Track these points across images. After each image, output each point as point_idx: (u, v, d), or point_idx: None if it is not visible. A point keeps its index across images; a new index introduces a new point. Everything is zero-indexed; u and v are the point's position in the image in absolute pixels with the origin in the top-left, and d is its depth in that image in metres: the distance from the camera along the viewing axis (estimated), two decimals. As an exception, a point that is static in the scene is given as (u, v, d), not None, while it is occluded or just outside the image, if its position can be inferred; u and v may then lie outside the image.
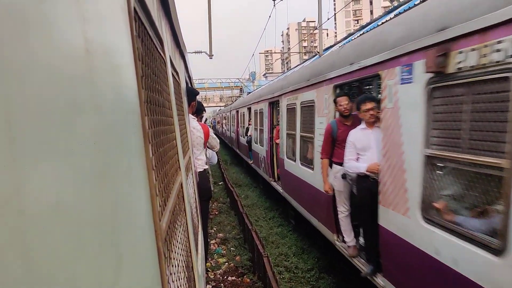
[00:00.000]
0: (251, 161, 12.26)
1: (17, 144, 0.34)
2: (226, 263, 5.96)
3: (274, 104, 8.77)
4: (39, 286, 0.35)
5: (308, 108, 5.64)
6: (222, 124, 29.02)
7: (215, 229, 7.72)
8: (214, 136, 4.80)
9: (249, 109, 12.87)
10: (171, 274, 1.13)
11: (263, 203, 9.65)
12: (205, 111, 6.48)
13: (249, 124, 13.19)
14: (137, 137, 0.89)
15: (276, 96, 7.96)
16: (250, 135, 12.45)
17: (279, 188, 8.00)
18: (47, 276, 0.37)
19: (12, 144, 0.34)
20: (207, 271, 5.51)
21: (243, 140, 14.28)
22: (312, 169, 5.46)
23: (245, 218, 6.67)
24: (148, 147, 1.00)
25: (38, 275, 0.36)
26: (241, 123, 16.02)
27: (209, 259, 6.08)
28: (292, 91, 6.64)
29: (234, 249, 6.57)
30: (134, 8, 1.04)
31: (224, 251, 6.52)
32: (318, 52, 14.90)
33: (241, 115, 16.02)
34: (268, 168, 9.14)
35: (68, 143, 0.46)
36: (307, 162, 5.80)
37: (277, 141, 8.09)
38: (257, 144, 10.87)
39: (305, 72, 6.29)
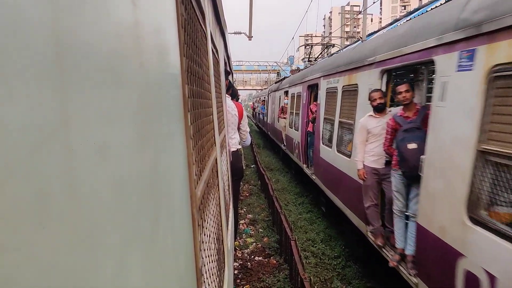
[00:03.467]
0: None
1: (68, 107, 0.34)
2: (254, 244, 6.06)
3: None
4: (77, 235, 0.36)
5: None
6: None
7: (245, 209, 7.82)
8: (247, 126, 4.80)
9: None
10: (203, 242, 1.15)
11: (294, 188, 9.61)
12: (239, 95, 7.00)
13: None
14: (178, 103, 0.89)
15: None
16: None
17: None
18: (87, 225, 0.38)
19: (64, 108, 0.34)
20: (235, 249, 5.60)
21: None
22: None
23: (274, 202, 6.65)
24: (187, 115, 1.01)
25: (79, 223, 0.36)
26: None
27: (238, 238, 6.21)
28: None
29: (262, 230, 6.66)
30: None
31: (253, 232, 6.62)
32: (361, 38, 14.40)
33: None
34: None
35: (113, 100, 0.47)
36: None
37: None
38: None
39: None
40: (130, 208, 0.49)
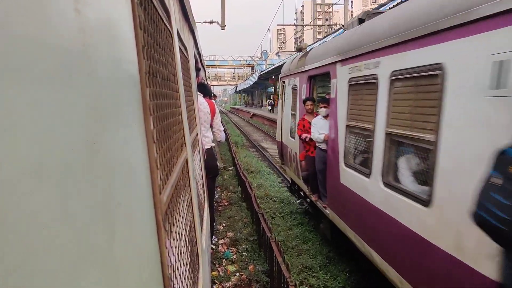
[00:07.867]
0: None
1: (9, 114, 0.32)
2: (237, 274, 4.90)
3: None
4: (24, 254, 0.34)
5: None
6: None
7: (224, 225, 6.65)
8: (221, 124, 4.71)
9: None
10: (172, 247, 1.13)
11: (278, 194, 8.57)
12: (215, 96, 6.61)
13: None
14: (136, 108, 0.87)
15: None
16: None
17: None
18: (34, 244, 0.36)
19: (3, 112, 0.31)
20: (213, 282, 4.75)
21: None
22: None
23: (261, 222, 5.29)
24: (149, 119, 0.98)
25: (25, 244, 0.34)
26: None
27: (217, 265, 5.17)
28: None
29: (246, 254, 5.44)
30: None
31: (235, 256, 5.40)
32: (343, 26, 15.01)
33: None
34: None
35: (60, 110, 0.44)
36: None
37: None
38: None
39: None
40: (76, 225, 0.47)
